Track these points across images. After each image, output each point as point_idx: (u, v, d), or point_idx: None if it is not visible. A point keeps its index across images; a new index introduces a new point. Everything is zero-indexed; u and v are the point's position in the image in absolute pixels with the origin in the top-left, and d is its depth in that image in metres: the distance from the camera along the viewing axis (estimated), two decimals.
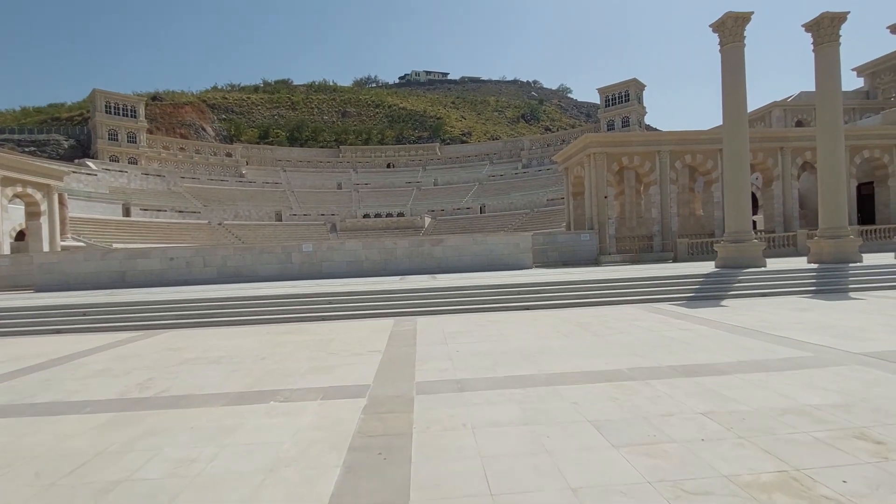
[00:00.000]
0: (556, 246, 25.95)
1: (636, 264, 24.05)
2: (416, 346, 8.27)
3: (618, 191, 29.28)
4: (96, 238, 49.68)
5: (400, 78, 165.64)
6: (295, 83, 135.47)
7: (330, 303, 12.92)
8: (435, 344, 8.34)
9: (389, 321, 11.23)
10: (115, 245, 41.57)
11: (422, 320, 11.13)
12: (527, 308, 12.34)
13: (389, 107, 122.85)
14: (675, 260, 24.32)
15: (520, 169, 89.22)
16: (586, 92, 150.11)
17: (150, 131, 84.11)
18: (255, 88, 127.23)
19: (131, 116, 79.11)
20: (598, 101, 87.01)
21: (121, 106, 78.75)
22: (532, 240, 24.07)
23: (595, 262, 25.75)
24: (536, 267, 23.80)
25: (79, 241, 38.17)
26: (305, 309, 12.47)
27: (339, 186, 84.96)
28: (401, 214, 74.12)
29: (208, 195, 74.06)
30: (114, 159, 75.96)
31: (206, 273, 21.91)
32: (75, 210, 55.20)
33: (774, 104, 42.25)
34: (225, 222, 66.02)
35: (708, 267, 18.27)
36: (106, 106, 77.40)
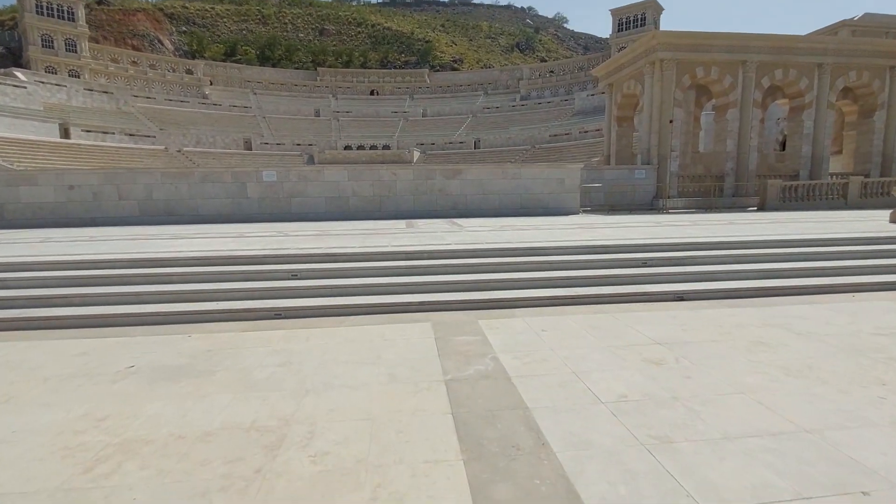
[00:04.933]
0: (603, 185, 19.80)
1: (709, 212, 18.25)
2: None
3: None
4: (23, 163, 41.39)
5: None
6: None
7: (294, 276, 6.71)
8: None
9: (421, 332, 5.14)
10: None
11: (495, 333, 5.06)
12: (679, 298, 6.37)
13: (373, 26, 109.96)
14: (763, 208, 18.54)
15: (518, 101, 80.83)
16: (583, 23, 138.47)
17: (95, 40, 72.25)
18: None
19: (69, 19, 67.01)
20: (596, 34, 77.85)
21: (55, 6, 66.37)
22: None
23: (651, 208, 19.85)
24: (583, 212, 17.78)
25: None
26: (246, 293, 6.24)
27: (317, 114, 75.65)
28: (386, 147, 66.31)
29: (165, 117, 64.48)
30: (50, 70, 64.94)
31: (122, 208, 15.22)
32: None
33: (843, 23, 35.30)
34: (185, 149, 57.41)
35: (836, 220, 12.59)
36: (37, 5, 65.04)
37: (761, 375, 3.84)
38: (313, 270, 6.82)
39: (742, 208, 19.64)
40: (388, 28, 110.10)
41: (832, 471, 2.58)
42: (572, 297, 6.17)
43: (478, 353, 4.43)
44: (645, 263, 7.22)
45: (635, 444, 2.85)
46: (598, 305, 6.04)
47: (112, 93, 65.13)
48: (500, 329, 5.17)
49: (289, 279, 6.65)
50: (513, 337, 4.91)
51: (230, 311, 5.75)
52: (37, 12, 65.45)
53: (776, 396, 3.47)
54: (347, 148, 65.14)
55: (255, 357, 4.45)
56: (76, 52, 67.91)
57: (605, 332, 5.00)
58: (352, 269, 6.91)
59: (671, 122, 19.89)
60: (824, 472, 2.57)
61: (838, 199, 18.98)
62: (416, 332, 5.12)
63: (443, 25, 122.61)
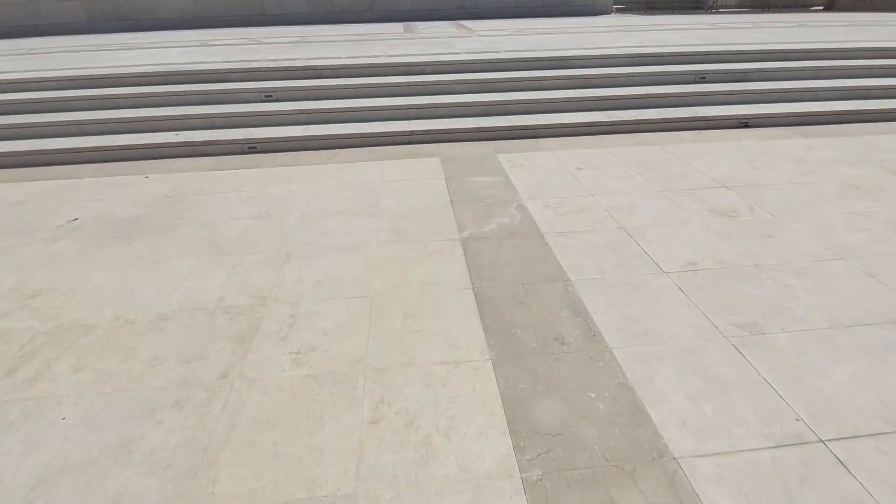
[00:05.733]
0: None
1: (767, 12, 15.32)
2: None
3: None
4: None
5: None
6: None
7: (269, 97, 5.47)
8: None
9: (428, 170, 4.20)
10: None
11: (519, 171, 4.13)
12: (744, 124, 5.22)
13: None
14: (830, 7, 15.47)
15: None
16: None
17: None
18: None
19: None
20: None
21: None
22: None
23: (696, 7, 16.73)
24: (616, 12, 14.95)
25: None
26: (209, 119, 5.09)
27: None
28: None
29: None
30: None
31: (64, 12, 12.74)
32: None
33: None
34: None
35: None
36: None
37: (864, 233, 3.03)
38: (291, 89, 5.52)
39: (804, 8, 16.50)
40: None
41: None
42: (612, 123, 5.03)
43: (500, 200, 3.57)
44: (702, 78, 5.84)
45: (716, 336, 2.18)
46: (645, 134, 4.95)
47: None
48: (526, 166, 4.21)
49: (262, 101, 5.42)
50: (541, 177, 3.98)
51: (193, 143, 4.71)
52: None
53: (888, 264, 2.70)
54: None
55: (225, 206, 3.62)
56: None
57: (656, 170, 4.05)
58: (339, 87, 5.60)
59: None
60: None
61: None
62: (422, 171, 4.18)
63: None
